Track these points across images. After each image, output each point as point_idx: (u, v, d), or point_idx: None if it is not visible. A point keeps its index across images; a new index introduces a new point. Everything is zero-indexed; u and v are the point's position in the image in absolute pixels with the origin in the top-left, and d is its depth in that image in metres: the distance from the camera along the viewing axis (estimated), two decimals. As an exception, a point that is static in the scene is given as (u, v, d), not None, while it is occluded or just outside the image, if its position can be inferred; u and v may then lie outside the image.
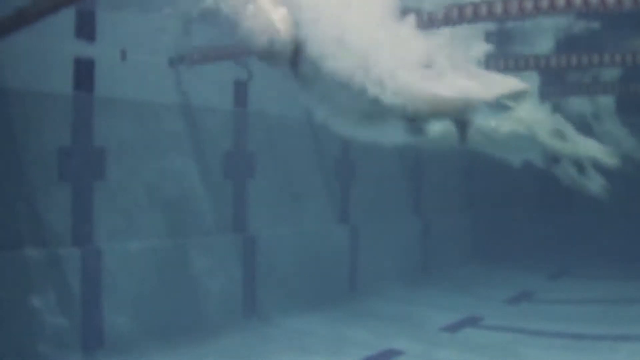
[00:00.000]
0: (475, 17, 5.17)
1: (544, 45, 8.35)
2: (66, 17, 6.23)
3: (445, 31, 5.15)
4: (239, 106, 8.72)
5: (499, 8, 5.05)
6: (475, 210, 13.89)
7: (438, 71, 4.01)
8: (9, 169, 6.26)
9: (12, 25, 5.27)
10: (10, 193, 6.25)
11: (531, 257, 13.09)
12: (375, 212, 11.08)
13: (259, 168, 8.93)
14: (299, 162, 9.61)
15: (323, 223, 10.07)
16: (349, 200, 10.56)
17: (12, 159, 6.28)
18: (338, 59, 3.95)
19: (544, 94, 8.16)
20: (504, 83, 4.12)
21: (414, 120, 4.10)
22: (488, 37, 7.24)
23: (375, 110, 4.03)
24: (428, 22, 5.16)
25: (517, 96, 4.10)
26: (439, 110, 3.96)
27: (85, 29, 6.84)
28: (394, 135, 4.45)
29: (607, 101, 9.91)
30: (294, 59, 4.28)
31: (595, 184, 8.53)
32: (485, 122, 6.84)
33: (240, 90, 8.68)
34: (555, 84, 8.39)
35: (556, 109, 8.40)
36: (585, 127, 8.89)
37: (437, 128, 4.84)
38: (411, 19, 4.31)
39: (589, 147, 8.19)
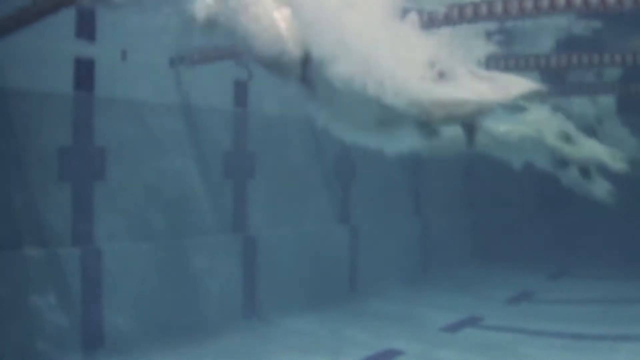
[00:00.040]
0: (476, 17, 5.17)
1: (545, 44, 8.35)
2: (66, 17, 6.23)
3: (446, 31, 5.15)
4: (239, 106, 8.72)
5: (499, 8, 5.05)
6: (475, 210, 13.89)
7: (450, 74, 3.98)
8: (9, 169, 6.26)
9: (12, 25, 5.27)
10: (11, 193, 6.25)
11: (531, 257, 13.09)
12: (376, 212, 11.08)
13: (259, 168, 8.93)
14: (299, 162, 9.61)
15: (323, 223, 10.07)
16: (349, 200, 10.56)
17: (13, 158, 6.28)
18: (349, 67, 3.89)
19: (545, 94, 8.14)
20: (517, 84, 4.08)
21: (430, 124, 4.04)
22: (488, 36, 7.24)
23: (389, 117, 3.98)
24: (428, 22, 5.16)
25: (531, 97, 4.07)
26: (455, 114, 3.92)
27: (86, 28, 6.84)
28: (407, 141, 4.39)
29: (607, 101, 9.91)
30: (303, 69, 4.20)
31: (601, 188, 8.46)
32: (493, 125, 6.82)
33: (240, 90, 8.68)
34: (555, 83, 8.38)
35: (556, 109, 8.39)
36: (586, 127, 8.87)
37: (445, 132, 4.79)
38: (414, 19, 4.28)
39: (596, 151, 8.12)
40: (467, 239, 13.60)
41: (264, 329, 8.07)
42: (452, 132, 4.42)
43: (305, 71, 4.19)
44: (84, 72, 6.85)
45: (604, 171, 8.46)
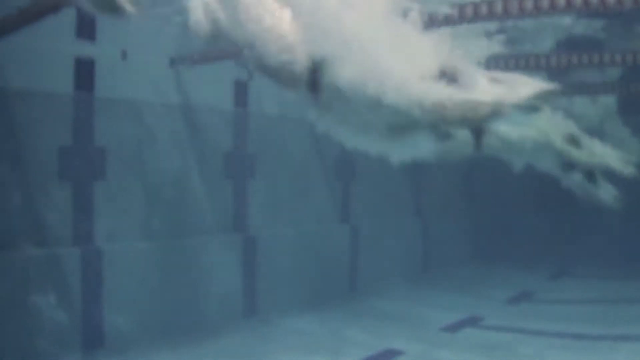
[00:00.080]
0: (476, 17, 5.17)
1: (545, 44, 8.34)
2: (66, 17, 6.22)
3: (446, 31, 5.14)
4: (239, 106, 8.72)
5: (499, 8, 5.05)
6: (476, 210, 13.89)
7: (463, 76, 3.94)
8: (9, 169, 6.25)
9: (13, 25, 5.27)
10: (11, 193, 6.25)
11: (531, 257, 13.08)
12: (376, 212, 11.08)
13: (259, 168, 8.93)
14: (299, 162, 9.61)
15: (323, 223, 10.07)
16: (350, 200, 10.56)
17: (13, 158, 6.28)
18: (359, 73, 3.82)
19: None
20: (530, 84, 4.05)
21: (444, 127, 3.99)
22: (489, 36, 7.23)
23: (400, 122, 3.92)
24: (429, 22, 5.15)
25: (544, 96, 4.04)
26: (470, 115, 3.87)
27: (86, 29, 6.83)
28: (419, 146, 4.32)
29: (607, 101, 9.90)
30: (312, 78, 4.10)
31: (606, 193, 8.39)
32: (500, 128, 6.78)
33: (241, 90, 8.68)
34: (556, 83, 8.35)
35: (557, 109, 8.36)
36: (587, 128, 8.84)
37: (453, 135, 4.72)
38: (417, 21, 4.24)
39: (605, 155, 8.01)
40: (467, 238, 13.61)
41: (264, 329, 8.07)
42: (460, 136, 4.39)
43: (314, 79, 4.10)
44: (84, 72, 6.85)
45: (605, 172, 8.40)
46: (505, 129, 6.88)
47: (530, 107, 4.09)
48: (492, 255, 13.18)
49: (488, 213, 13.71)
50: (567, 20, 7.81)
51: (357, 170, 10.49)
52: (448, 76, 3.89)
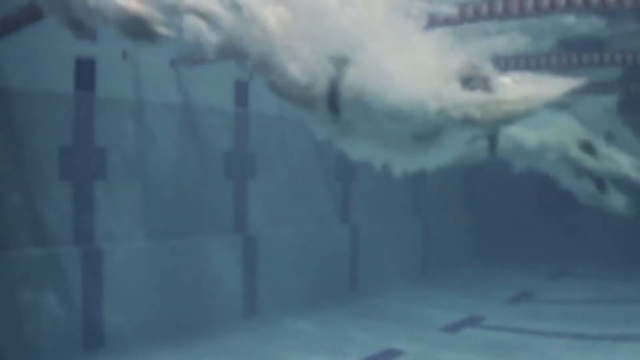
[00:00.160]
0: (477, 17, 5.17)
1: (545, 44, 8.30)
2: (67, 17, 6.22)
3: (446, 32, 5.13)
4: (239, 106, 8.72)
5: (499, 7, 5.05)
6: (476, 210, 13.89)
7: (490, 78, 3.88)
8: (10, 169, 6.25)
9: (13, 25, 5.26)
10: (12, 192, 6.25)
11: (531, 257, 13.08)
12: (377, 212, 11.07)
13: (259, 168, 8.93)
14: (299, 162, 9.60)
15: (324, 223, 10.07)
16: (350, 200, 10.56)
17: (14, 158, 6.28)
18: (381, 86, 3.71)
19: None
20: (558, 83, 4.00)
21: (477, 129, 3.91)
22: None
23: (431, 130, 3.83)
24: (430, 22, 5.15)
25: (573, 94, 3.99)
26: (506, 115, 3.81)
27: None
28: (449, 153, 4.24)
29: (608, 101, 9.86)
30: (331, 98, 3.98)
31: (617, 201, 8.29)
32: (517, 133, 6.74)
33: (241, 90, 8.68)
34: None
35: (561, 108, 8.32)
36: (589, 127, 8.82)
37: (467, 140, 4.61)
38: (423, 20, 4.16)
39: (620, 162, 7.85)
40: (467, 238, 13.61)
41: (264, 329, 8.07)
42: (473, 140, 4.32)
43: (333, 99, 3.99)
44: (85, 72, 6.85)
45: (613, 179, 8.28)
46: (521, 134, 6.80)
47: (561, 104, 4.04)
48: (493, 255, 13.18)
49: (488, 213, 13.70)
50: (569, 19, 7.78)
51: (357, 170, 10.49)
52: (474, 78, 3.82)
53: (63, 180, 6.67)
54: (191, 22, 3.89)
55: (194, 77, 7.89)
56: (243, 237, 8.62)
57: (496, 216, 13.67)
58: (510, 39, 7.25)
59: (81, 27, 3.98)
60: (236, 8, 3.88)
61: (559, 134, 7.47)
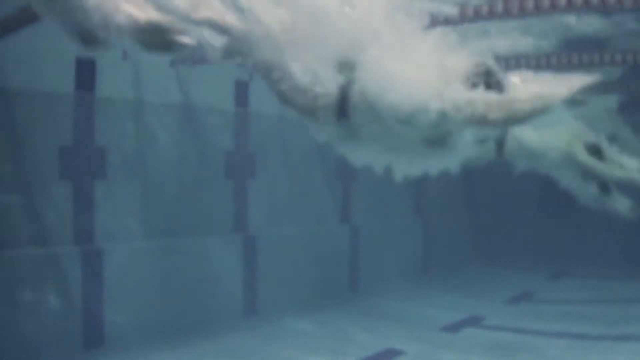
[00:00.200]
0: (477, 17, 5.17)
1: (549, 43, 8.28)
2: (67, 17, 6.21)
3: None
4: (239, 106, 8.72)
5: (500, 7, 5.05)
6: (476, 210, 13.88)
7: (503, 77, 3.82)
8: (10, 169, 6.25)
9: (13, 25, 5.26)
10: (12, 192, 6.25)
11: (531, 257, 13.08)
12: (377, 212, 11.07)
13: (259, 168, 8.93)
14: (300, 161, 9.61)
15: (324, 223, 10.07)
16: (350, 199, 10.56)
17: (14, 158, 6.28)
18: (393, 90, 3.61)
19: None
20: (573, 79, 3.94)
21: (490, 129, 3.86)
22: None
23: (442, 132, 3.77)
24: (431, 22, 5.15)
25: (588, 90, 3.95)
26: (520, 114, 3.76)
27: (86, 28, 6.82)
28: (460, 154, 4.18)
29: (608, 100, 9.84)
30: (341, 106, 3.85)
31: (622, 204, 8.22)
32: (525, 136, 6.69)
33: (241, 90, 8.68)
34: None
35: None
36: (590, 127, 8.79)
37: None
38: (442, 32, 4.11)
39: (629, 166, 7.75)
40: (467, 239, 13.60)
41: (265, 329, 8.07)
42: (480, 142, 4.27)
43: (343, 107, 3.87)
44: (85, 71, 6.85)
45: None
46: (527, 135, 6.75)
47: (576, 101, 4.00)
48: (493, 255, 13.18)
49: (488, 213, 13.70)
50: (570, 19, 7.77)
51: (357, 170, 10.48)
52: (487, 77, 3.77)
53: (63, 180, 6.67)
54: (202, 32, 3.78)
55: (194, 77, 7.89)
56: (243, 236, 8.62)
57: (496, 216, 13.66)
58: (512, 39, 7.23)
59: (93, 39, 3.88)
60: (248, 17, 3.78)
61: (565, 136, 7.41)
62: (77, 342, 6.61)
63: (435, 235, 12.49)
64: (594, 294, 10.62)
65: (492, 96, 3.64)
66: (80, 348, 6.61)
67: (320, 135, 4.28)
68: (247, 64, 4.11)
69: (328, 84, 3.82)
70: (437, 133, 3.77)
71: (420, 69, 3.65)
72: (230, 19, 3.72)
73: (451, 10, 5.17)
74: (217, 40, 3.77)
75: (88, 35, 3.79)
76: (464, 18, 5.20)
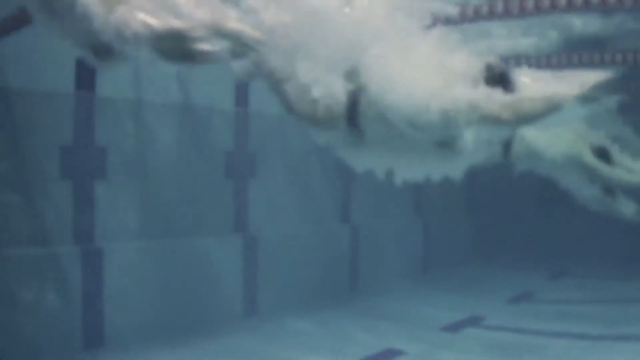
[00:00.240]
0: (477, 17, 5.17)
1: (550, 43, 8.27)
2: (67, 17, 6.21)
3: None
4: (240, 106, 8.72)
5: (500, 7, 5.05)
6: (476, 210, 13.89)
7: (514, 76, 3.79)
8: (10, 169, 6.25)
9: (13, 24, 5.26)
10: (12, 192, 6.25)
11: (531, 257, 13.09)
12: (377, 212, 11.07)
13: (259, 168, 8.93)
14: (300, 161, 9.60)
15: (324, 222, 10.07)
16: (350, 199, 10.56)
17: (14, 158, 6.28)
18: (403, 93, 3.50)
19: None
20: (583, 76, 3.91)
21: (502, 129, 3.82)
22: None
23: (452, 135, 3.73)
24: (431, 23, 5.14)
25: (603, 86, 3.92)
26: (532, 113, 3.73)
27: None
28: (472, 157, 4.14)
29: (608, 101, 9.82)
30: (351, 114, 3.75)
31: (627, 208, 8.19)
32: (532, 138, 6.66)
33: (241, 90, 8.68)
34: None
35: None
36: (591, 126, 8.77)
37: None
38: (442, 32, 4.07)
39: (636, 170, 7.68)
40: (467, 239, 13.60)
41: (265, 329, 8.07)
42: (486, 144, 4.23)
43: (353, 115, 3.77)
44: (85, 71, 6.84)
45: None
46: (535, 138, 6.70)
47: (590, 98, 3.96)
48: (493, 255, 13.18)
49: (488, 213, 13.70)
50: (571, 19, 7.76)
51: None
52: (499, 77, 3.73)
53: (63, 179, 6.67)
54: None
55: (194, 77, 7.88)
56: (243, 236, 8.62)
57: (496, 216, 13.67)
58: (513, 38, 7.23)
59: (110, 53, 3.60)
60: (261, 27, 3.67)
61: (571, 138, 7.37)
62: (77, 342, 6.61)
63: (435, 235, 12.49)
64: (594, 294, 10.62)
65: (505, 96, 3.60)
66: (80, 348, 6.61)
67: (321, 139, 4.20)
68: (260, 77, 4.02)
69: (337, 93, 3.72)
70: (447, 135, 3.70)
71: (429, 69, 3.60)
72: (259, 35, 3.56)
73: (452, 10, 5.17)
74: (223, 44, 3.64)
75: (102, 48, 3.55)
76: (464, 18, 5.20)
